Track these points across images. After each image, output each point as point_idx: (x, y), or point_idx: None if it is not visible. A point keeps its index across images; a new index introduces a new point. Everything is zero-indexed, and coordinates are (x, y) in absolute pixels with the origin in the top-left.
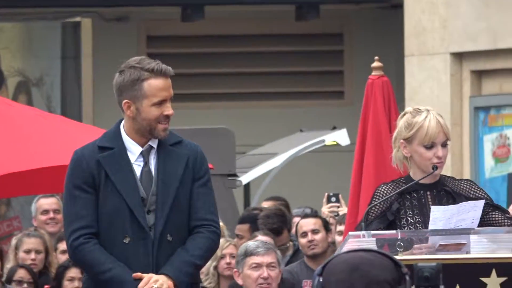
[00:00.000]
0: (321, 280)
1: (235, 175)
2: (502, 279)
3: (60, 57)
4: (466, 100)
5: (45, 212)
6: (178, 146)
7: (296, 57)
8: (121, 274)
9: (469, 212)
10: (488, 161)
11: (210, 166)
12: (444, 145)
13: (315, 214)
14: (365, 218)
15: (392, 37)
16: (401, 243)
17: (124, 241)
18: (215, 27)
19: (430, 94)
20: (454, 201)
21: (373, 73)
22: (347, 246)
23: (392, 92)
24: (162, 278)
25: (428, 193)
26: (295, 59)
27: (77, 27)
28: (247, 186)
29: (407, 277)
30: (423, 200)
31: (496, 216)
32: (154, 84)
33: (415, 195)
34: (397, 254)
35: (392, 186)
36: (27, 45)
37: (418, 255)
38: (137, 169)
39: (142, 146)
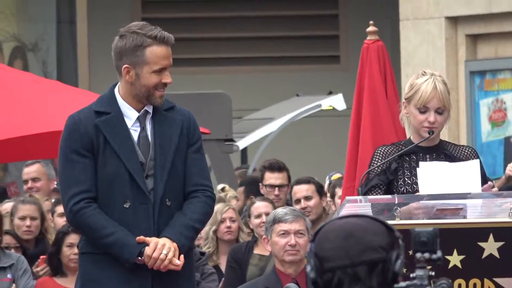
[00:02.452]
0: (314, 248)
1: (231, 140)
2: (500, 243)
3: (56, 22)
4: (461, 64)
5: (25, 182)
6: (172, 112)
7: (292, 21)
8: (124, 238)
9: (465, 174)
10: (485, 125)
11: (206, 130)
12: (439, 112)
13: (307, 179)
14: (365, 181)
15: (387, 2)
16: (398, 208)
17: (124, 205)
18: None
19: (425, 58)
20: None
21: (368, 37)
22: (344, 211)
23: (387, 56)
24: (167, 242)
25: (428, 156)
26: (291, 24)
27: None
28: (244, 151)
29: (400, 241)
30: (422, 161)
31: None
32: (156, 51)
33: (414, 157)
34: (394, 219)
35: (392, 148)
36: (22, 10)
37: (416, 217)
38: (134, 134)
39: (138, 111)
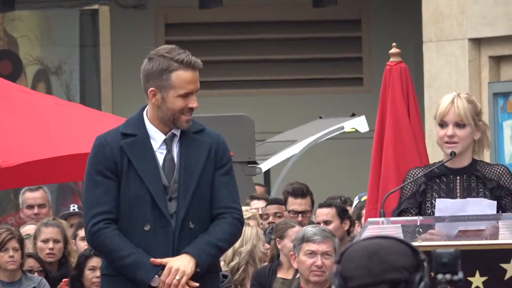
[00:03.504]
0: (339, 268)
1: (254, 162)
2: None
3: (79, 45)
4: (484, 86)
5: (30, 207)
6: (201, 134)
7: (315, 43)
8: (139, 259)
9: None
10: (508, 146)
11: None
12: (459, 125)
13: (330, 203)
14: (397, 206)
15: (410, 23)
16: (420, 230)
17: (145, 228)
18: (233, 14)
19: (448, 80)
20: (485, 186)
21: (391, 59)
22: (366, 233)
23: (410, 78)
24: (183, 262)
25: (458, 177)
26: (314, 46)
27: (95, 14)
28: (267, 173)
29: (425, 264)
30: (451, 184)
31: (507, 202)
32: (182, 76)
33: (444, 179)
34: (416, 241)
35: (424, 169)
36: (46, 33)
37: (436, 240)
38: (160, 157)
39: (165, 134)
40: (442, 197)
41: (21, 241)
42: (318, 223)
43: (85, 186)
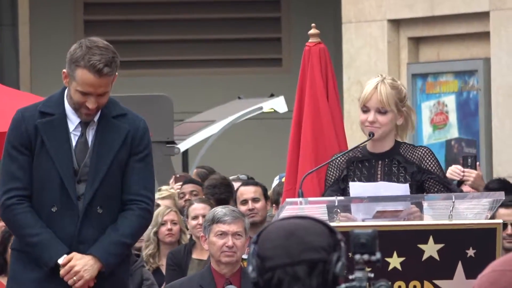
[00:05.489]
0: (257, 248)
1: (173, 142)
2: (439, 245)
3: None
4: (403, 67)
5: None
6: (120, 119)
7: (234, 24)
8: (48, 241)
9: (393, 193)
10: (426, 128)
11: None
12: (381, 112)
13: (255, 182)
14: (301, 183)
15: (329, 4)
16: (338, 210)
17: (52, 209)
18: None
19: (368, 61)
20: (406, 171)
21: (310, 40)
22: (285, 213)
23: (329, 59)
24: (85, 265)
25: (380, 162)
26: (233, 26)
27: None
28: (185, 154)
29: (342, 244)
30: (373, 170)
31: (431, 184)
32: (84, 76)
33: (366, 164)
34: (334, 221)
35: (346, 154)
36: None
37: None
38: (74, 139)
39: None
40: (363, 182)
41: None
42: (245, 200)
43: (2, 159)
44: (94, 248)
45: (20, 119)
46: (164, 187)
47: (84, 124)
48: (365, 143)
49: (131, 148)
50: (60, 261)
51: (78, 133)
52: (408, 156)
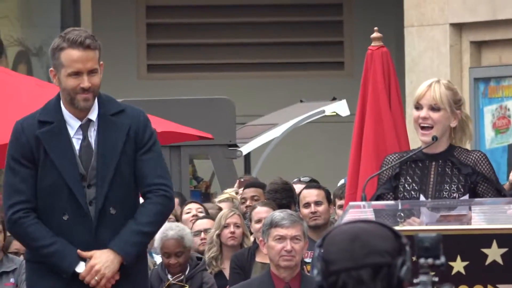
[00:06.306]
0: (321, 251)
1: (235, 145)
2: (503, 250)
3: (60, 26)
4: (466, 71)
5: None
6: (120, 116)
7: (297, 27)
8: (64, 249)
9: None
10: (488, 132)
11: (210, 136)
12: (434, 109)
13: (318, 185)
14: (364, 187)
15: (391, 8)
16: (402, 214)
17: (63, 218)
18: None
19: (430, 65)
20: (460, 172)
21: (373, 43)
22: (348, 217)
23: (391, 62)
24: (105, 261)
25: (434, 163)
26: (296, 30)
27: None
28: (247, 157)
29: (407, 248)
30: (426, 170)
31: (484, 189)
32: (69, 54)
33: (420, 164)
34: (397, 225)
35: (400, 155)
36: (26, 14)
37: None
38: (77, 144)
39: (80, 120)
40: (415, 181)
41: (2, 223)
42: (308, 203)
43: (4, 172)
44: (112, 242)
45: (20, 130)
46: (227, 190)
47: (84, 127)
48: (424, 147)
49: (136, 143)
50: (80, 269)
51: (80, 137)
52: (462, 158)
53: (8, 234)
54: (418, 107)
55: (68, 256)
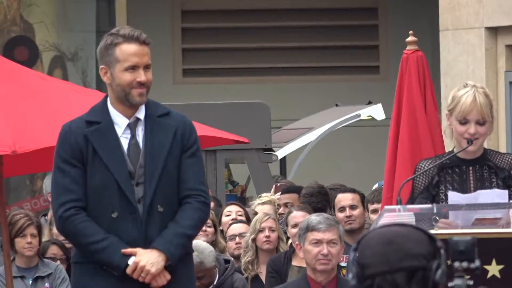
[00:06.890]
0: (357, 255)
1: (270, 149)
2: None
3: (95, 31)
4: (501, 74)
5: None
6: (166, 117)
7: (332, 31)
8: (115, 245)
9: (494, 200)
10: None
11: (245, 140)
12: (480, 123)
13: (353, 189)
14: (409, 199)
15: (427, 11)
16: (437, 217)
17: (113, 215)
18: (251, 2)
19: (465, 69)
20: (497, 176)
21: (408, 47)
22: (383, 221)
23: (427, 66)
24: (150, 259)
25: (471, 168)
26: (331, 34)
27: (111, 0)
28: (283, 161)
29: (442, 251)
30: (464, 175)
31: None
32: (125, 48)
33: (457, 170)
34: (432, 228)
35: (434, 160)
36: (62, 19)
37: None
38: (125, 142)
39: (128, 119)
40: (456, 188)
41: (39, 227)
42: (343, 207)
43: (53, 175)
44: (156, 242)
45: (68, 131)
46: (264, 194)
47: (132, 125)
48: (462, 150)
49: (182, 144)
50: (130, 262)
51: (128, 136)
52: (497, 162)
53: (44, 239)
54: (464, 122)
55: (119, 251)
